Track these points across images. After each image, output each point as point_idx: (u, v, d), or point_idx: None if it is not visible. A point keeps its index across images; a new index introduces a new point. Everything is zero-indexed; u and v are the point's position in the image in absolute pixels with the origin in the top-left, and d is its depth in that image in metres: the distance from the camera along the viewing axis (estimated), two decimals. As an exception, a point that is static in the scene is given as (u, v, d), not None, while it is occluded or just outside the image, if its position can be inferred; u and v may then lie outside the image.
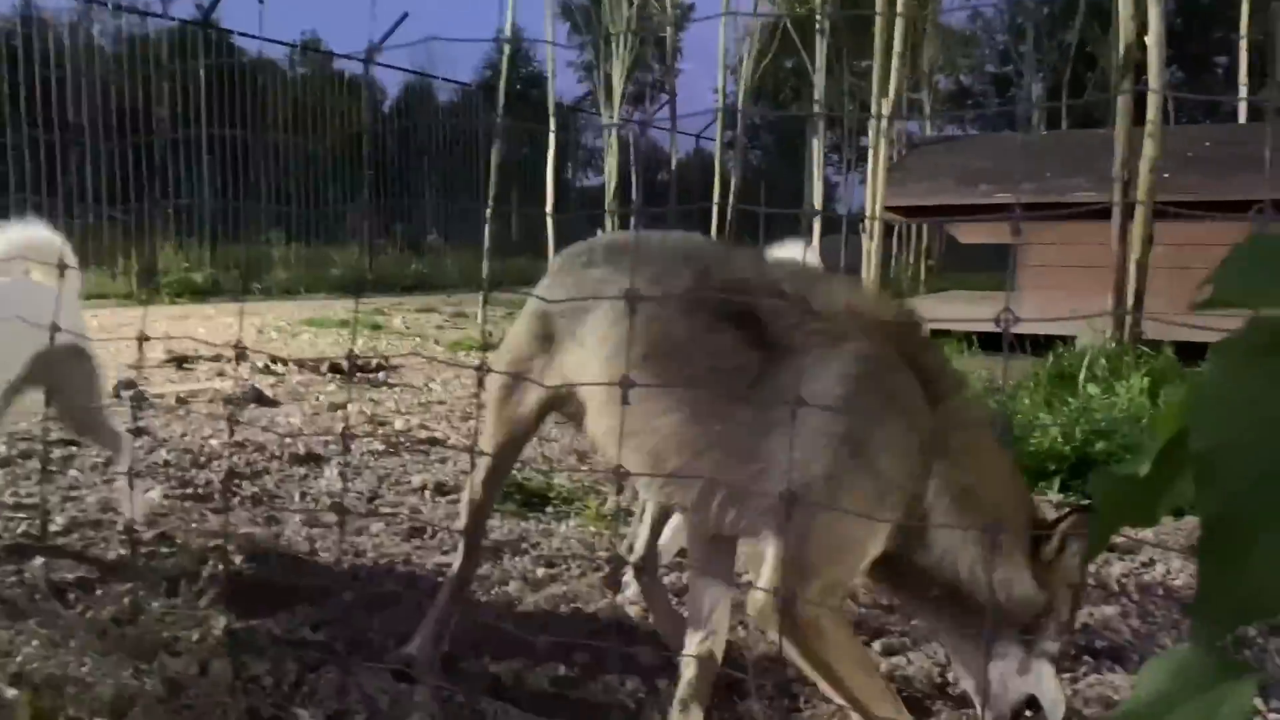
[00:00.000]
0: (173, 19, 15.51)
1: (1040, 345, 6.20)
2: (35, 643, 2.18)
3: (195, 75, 13.96)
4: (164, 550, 2.97)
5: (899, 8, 8.02)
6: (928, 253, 18.68)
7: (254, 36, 15.66)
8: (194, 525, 3.22)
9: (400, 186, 18.75)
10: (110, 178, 13.53)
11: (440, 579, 2.69)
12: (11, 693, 1.78)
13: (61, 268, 2.71)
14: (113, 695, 1.89)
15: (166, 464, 4.42)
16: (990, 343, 6.95)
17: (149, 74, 14.25)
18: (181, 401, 5.26)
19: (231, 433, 4.49)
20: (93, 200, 13.03)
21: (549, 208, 10.58)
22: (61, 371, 2.84)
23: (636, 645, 2.42)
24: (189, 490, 3.73)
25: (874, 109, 8.21)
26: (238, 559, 2.91)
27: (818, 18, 13.14)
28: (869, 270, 8.58)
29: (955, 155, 10.78)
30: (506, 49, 9.81)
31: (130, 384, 5.13)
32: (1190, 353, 5.17)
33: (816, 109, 12.79)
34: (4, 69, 12.40)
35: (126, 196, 13.46)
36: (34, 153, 12.55)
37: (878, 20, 8.02)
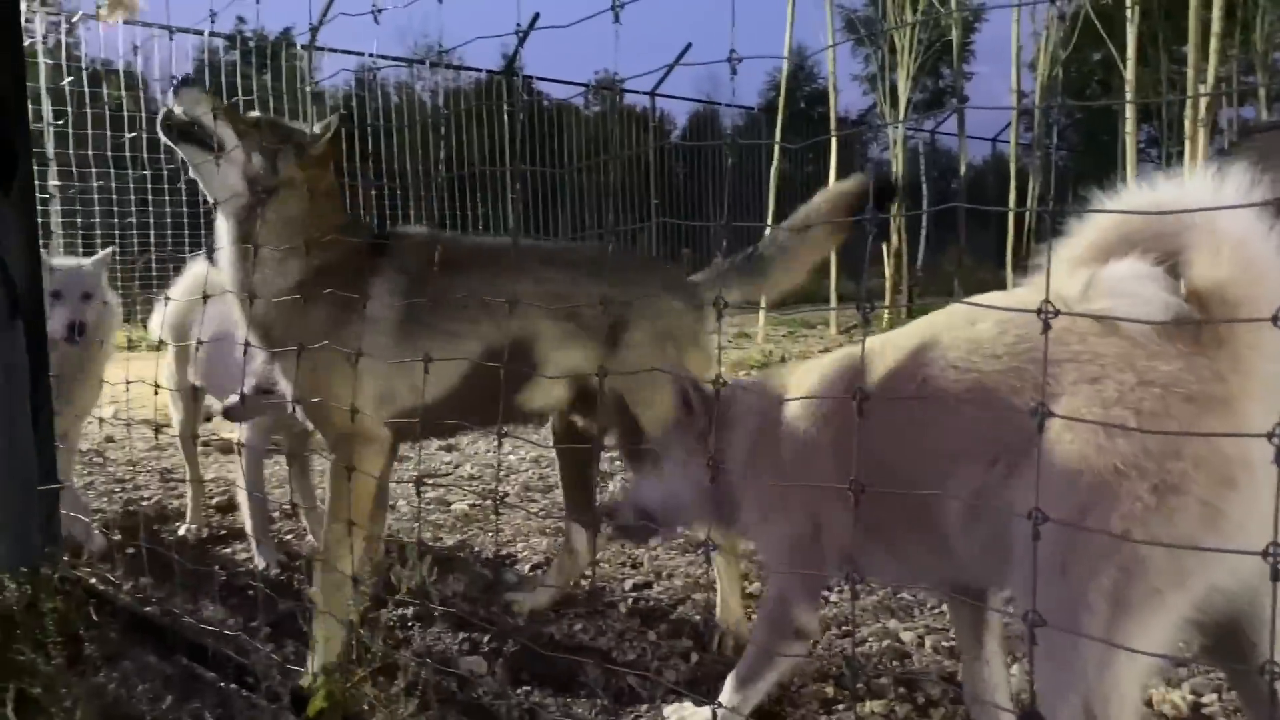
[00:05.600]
0: (480, 70, 16.94)
1: None
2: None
3: (502, 119, 15.16)
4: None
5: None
6: (1268, 252, 16.50)
7: (552, 80, 16.78)
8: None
9: (687, 211, 19.27)
10: (430, 216, 14.98)
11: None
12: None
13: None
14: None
15: (472, 478, 4.82)
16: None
17: (462, 121, 15.65)
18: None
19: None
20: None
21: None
22: None
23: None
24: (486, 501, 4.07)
25: (1190, 93, 7.41)
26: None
27: (1127, 2, 12.07)
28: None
29: (1298, 139, 9.46)
30: (785, 67, 9.82)
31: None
32: None
33: (1128, 98, 11.73)
34: (343, 127, 14.18)
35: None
36: (376, 198, 14.20)
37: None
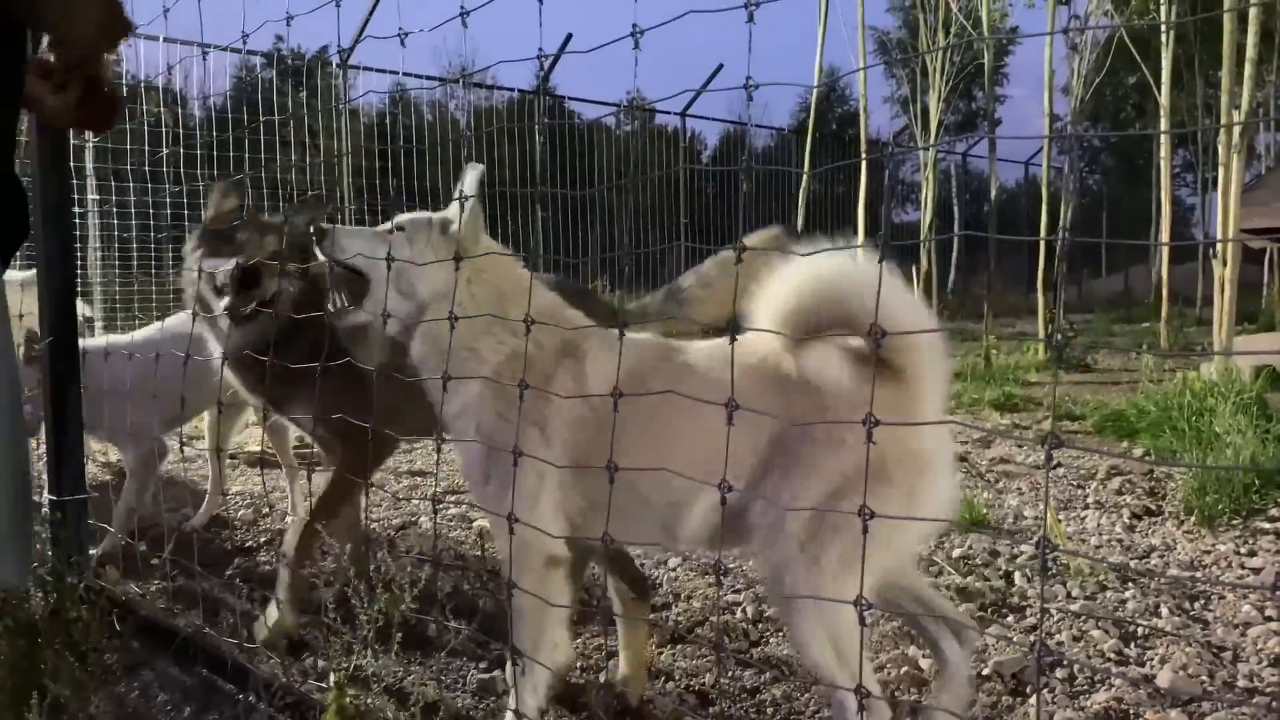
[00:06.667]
0: (513, 89, 17.08)
1: None
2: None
3: (534, 138, 15.26)
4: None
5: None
6: (1307, 280, 16.30)
7: (584, 100, 16.85)
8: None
9: (718, 229, 19.27)
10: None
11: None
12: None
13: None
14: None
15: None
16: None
17: (494, 140, 15.75)
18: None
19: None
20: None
21: (858, 243, 10.41)
22: None
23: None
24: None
25: (1224, 119, 7.34)
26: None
27: (1163, 26, 11.98)
28: (1223, 300, 7.62)
29: (1335, 166, 9.34)
30: (815, 90, 9.83)
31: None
32: None
33: (1163, 125, 11.63)
34: (376, 144, 14.30)
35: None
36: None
37: (1225, 22, 7.20)
